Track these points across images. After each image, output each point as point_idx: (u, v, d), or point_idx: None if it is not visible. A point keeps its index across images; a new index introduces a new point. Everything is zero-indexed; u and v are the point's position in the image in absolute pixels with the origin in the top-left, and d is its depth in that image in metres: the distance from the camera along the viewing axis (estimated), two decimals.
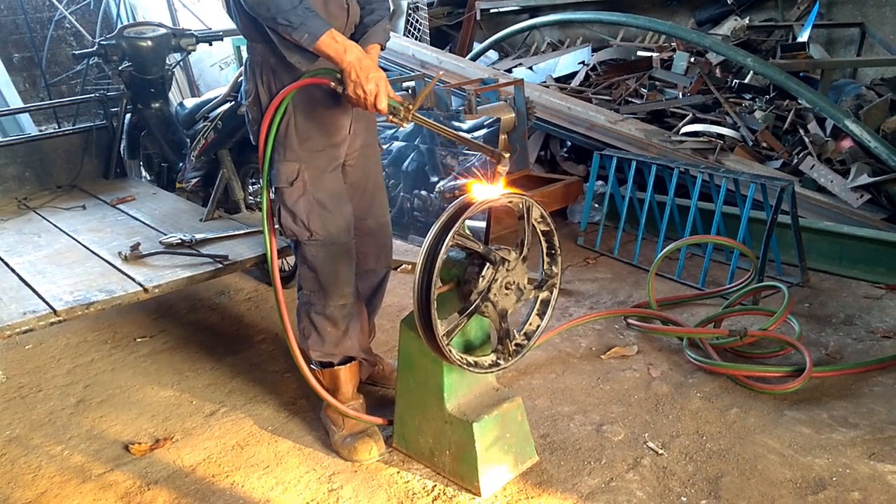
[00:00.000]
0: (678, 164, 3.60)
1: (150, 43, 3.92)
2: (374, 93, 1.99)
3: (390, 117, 2.04)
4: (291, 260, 3.48)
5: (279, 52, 2.09)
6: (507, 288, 2.04)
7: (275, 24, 1.98)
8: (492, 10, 6.88)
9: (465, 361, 2.02)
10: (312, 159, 2.22)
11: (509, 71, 5.73)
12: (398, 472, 2.24)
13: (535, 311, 2.21)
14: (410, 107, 2.03)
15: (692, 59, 4.91)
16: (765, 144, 4.15)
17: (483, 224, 3.51)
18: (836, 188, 3.65)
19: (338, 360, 2.41)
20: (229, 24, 7.58)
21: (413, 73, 4.88)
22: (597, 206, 4.14)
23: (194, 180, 3.77)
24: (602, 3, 6.13)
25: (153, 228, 3.29)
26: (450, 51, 6.45)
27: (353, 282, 2.37)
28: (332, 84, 2.05)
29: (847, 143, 3.89)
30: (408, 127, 4.01)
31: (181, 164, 3.91)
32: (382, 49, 2.25)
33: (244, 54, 6.87)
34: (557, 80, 5.51)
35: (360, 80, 1.98)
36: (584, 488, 2.12)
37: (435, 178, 3.86)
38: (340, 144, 2.28)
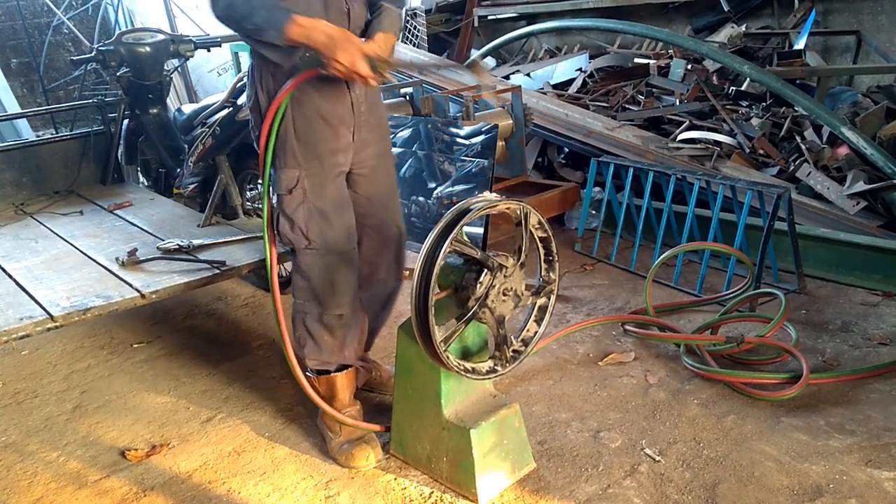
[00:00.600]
0: (675, 171, 3.61)
1: (148, 49, 3.92)
2: (349, 62, 1.93)
3: (376, 78, 1.99)
4: (289, 265, 3.48)
5: None
6: (504, 294, 2.04)
7: (245, 31, 2.00)
8: (489, 17, 6.91)
9: (462, 368, 2.02)
10: (312, 167, 2.21)
11: (507, 77, 5.75)
12: (395, 479, 2.23)
13: (532, 317, 2.21)
14: (388, 62, 1.99)
15: (689, 67, 4.93)
16: (761, 151, 4.17)
17: (481, 230, 3.52)
18: (833, 195, 3.66)
19: (334, 367, 2.40)
20: (227, 30, 7.56)
21: (410, 80, 4.89)
22: (594, 212, 4.15)
23: (192, 186, 3.78)
24: (599, 10, 6.15)
25: (151, 234, 3.29)
26: (447, 57, 6.46)
27: (352, 291, 2.35)
28: (321, 70, 2.01)
29: (843, 151, 3.90)
30: (406, 133, 4.01)
31: (179, 170, 3.91)
32: (397, 38, 2.18)
33: (242, 60, 6.86)
34: (555, 86, 5.53)
35: (333, 54, 1.93)
36: (582, 495, 2.11)
37: (433, 185, 3.86)
38: (341, 151, 2.25)
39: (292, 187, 2.20)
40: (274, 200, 2.26)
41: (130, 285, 2.67)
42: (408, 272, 3.72)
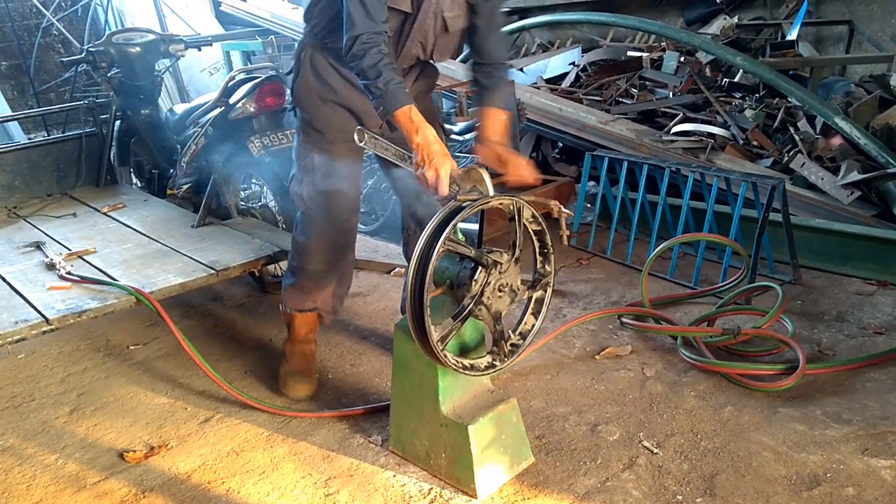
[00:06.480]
0: (669, 164, 3.61)
1: (138, 49, 3.91)
2: (432, 179, 2.01)
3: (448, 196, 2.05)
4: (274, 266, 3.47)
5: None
6: (500, 290, 2.04)
7: (360, 80, 2.10)
8: None
9: (461, 365, 2.02)
10: (326, 149, 2.44)
11: None
12: (394, 476, 2.24)
13: (529, 310, 2.20)
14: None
15: (682, 59, 4.92)
16: (755, 143, 4.17)
17: (476, 227, 3.51)
18: (827, 185, 3.67)
19: (298, 309, 2.71)
20: (218, 30, 7.55)
21: None
22: (589, 206, 4.15)
23: (185, 186, 3.77)
24: (591, 3, 6.14)
25: (145, 235, 3.28)
26: None
27: (333, 254, 2.58)
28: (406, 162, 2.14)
29: (837, 141, 3.91)
30: None
31: (172, 171, 3.90)
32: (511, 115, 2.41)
33: (233, 59, 6.80)
34: (548, 81, 5.51)
35: (424, 164, 2.03)
36: (581, 488, 2.12)
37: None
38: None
39: (303, 161, 2.47)
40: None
41: (125, 288, 2.66)
42: (404, 270, 3.73)
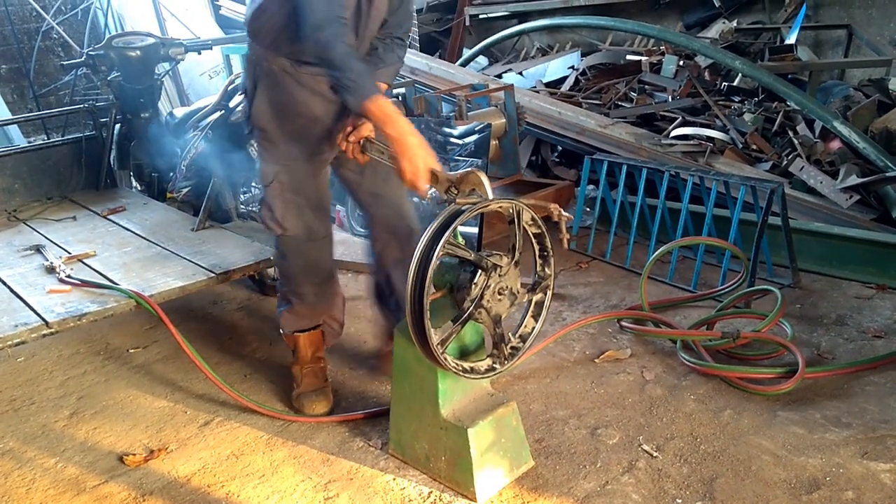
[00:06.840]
0: (669, 168, 3.62)
1: (138, 52, 3.91)
2: (412, 173, 2.02)
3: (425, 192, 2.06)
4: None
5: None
6: (500, 293, 2.04)
7: (327, 74, 2.04)
8: (481, 16, 6.91)
9: (461, 368, 2.02)
10: (290, 164, 2.35)
11: (499, 76, 5.75)
12: (394, 479, 2.24)
13: (529, 312, 2.21)
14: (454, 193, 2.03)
15: (681, 63, 4.94)
16: (754, 146, 4.18)
17: (475, 230, 3.52)
18: (826, 189, 3.67)
19: (298, 329, 2.63)
20: (218, 33, 7.56)
21: (403, 80, 4.89)
22: (588, 210, 4.15)
23: (185, 190, 3.77)
24: (591, 7, 6.16)
25: (144, 239, 3.28)
26: (440, 57, 6.46)
27: (321, 272, 2.57)
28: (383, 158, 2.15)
29: (836, 145, 3.92)
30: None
31: (172, 174, 3.90)
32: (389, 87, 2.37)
33: (233, 63, 6.79)
34: (547, 84, 5.53)
35: (403, 156, 2.02)
36: (580, 492, 2.12)
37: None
38: (327, 143, 2.33)
39: (270, 181, 2.36)
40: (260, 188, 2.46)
41: (125, 291, 2.66)
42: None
